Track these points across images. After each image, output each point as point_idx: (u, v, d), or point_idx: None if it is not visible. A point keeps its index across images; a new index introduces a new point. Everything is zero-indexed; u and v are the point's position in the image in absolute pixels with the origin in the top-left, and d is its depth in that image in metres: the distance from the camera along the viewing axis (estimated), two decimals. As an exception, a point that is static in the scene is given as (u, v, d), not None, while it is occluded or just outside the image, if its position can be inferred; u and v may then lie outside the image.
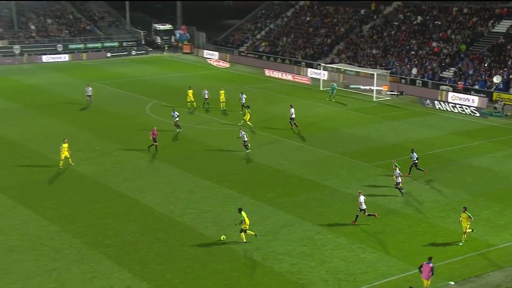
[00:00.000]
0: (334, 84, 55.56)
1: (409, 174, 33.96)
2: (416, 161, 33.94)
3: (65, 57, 75.14)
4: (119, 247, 25.18)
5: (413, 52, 63.56)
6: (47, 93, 54.93)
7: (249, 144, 38.08)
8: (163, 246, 25.38)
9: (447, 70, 59.50)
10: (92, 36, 79.98)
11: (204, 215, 28.60)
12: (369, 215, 27.85)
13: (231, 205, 29.90)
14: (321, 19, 77.39)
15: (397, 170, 31.51)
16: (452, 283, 22.74)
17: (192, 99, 49.73)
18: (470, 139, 42.45)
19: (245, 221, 25.66)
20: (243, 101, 48.33)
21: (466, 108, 50.75)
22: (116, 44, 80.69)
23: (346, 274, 23.47)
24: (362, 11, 74.80)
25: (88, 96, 51.00)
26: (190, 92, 49.92)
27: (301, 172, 35.16)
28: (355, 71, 62.00)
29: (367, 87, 57.77)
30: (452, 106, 51.76)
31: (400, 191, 31.37)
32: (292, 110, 44.04)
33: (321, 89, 59.89)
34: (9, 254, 24.38)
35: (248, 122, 43.89)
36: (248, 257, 24.61)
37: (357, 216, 27.84)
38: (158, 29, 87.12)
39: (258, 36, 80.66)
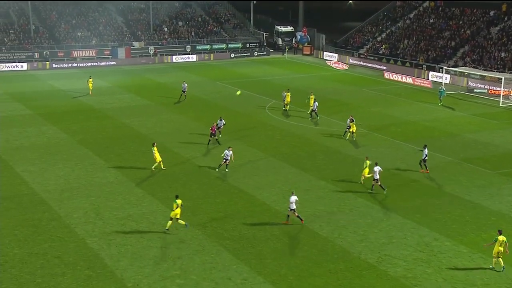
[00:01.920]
0: (443, 87, 52.80)
1: (423, 169, 34.36)
2: (426, 158, 34.00)
3: (192, 58, 78.37)
4: (237, 240, 25.83)
5: (546, 56, 59.08)
6: (176, 91, 57.58)
7: (226, 165, 34.11)
8: (279, 243, 25.67)
9: None
10: (217, 37, 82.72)
11: (319, 215, 28.55)
12: (297, 216, 27.07)
13: (345, 206, 29.62)
14: (446, 21, 74.10)
15: (376, 167, 30.89)
16: None
17: (288, 102, 48.40)
18: None
19: (174, 209, 25.95)
20: (315, 109, 46.59)
21: None
22: (239, 45, 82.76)
23: (465, 284, 22.35)
24: (492, 13, 70.56)
25: (183, 91, 53.39)
26: (288, 94, 48.76)
27: (419, 176, 33.99)
28: (481, 75, 58.76)
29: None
30: None
31: (371, 188, 31.20)
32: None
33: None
34: (140, 240, 25.91)
35: (351, 134, 41.21)
36: (363, 259, 24.23)
37: (288, 216, 27.19)
38: (280, 31, 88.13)
39: (379, 39, 78.93)
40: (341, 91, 58.40)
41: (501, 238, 23.25)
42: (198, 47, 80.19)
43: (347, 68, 72.79)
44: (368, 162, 32.34)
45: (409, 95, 57.17)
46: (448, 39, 70.39)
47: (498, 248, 23.07)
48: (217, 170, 34.49)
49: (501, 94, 53.06)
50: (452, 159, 37.10)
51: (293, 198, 27.24)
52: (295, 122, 46.07)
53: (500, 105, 52.36)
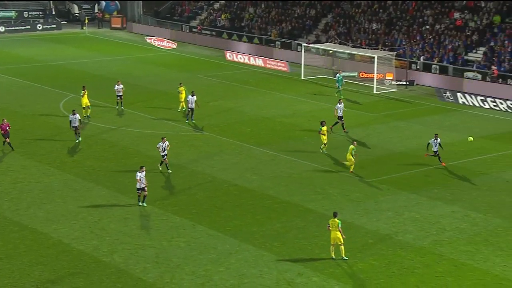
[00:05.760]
0: (339, 74, 54.88)
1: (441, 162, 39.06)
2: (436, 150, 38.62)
3: None
4: (23, 299, 25.07)
5: (427, 27, 64.47)
6: None
7: (166, 164, 37.57)
8: (86, 296, 25.33)
9: (474, 51, 60.42)
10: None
11: (143, 253, 28.56)
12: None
13: (180, 238, 29.95)
14: (303, -19, 77.94)
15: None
16: None
17: (88, 104, 46.56)
18: (506, 145, 43.34)
19: None
20: (191, 106, 46.42)
21: (501, 103, 51.47)
22: (13, 14, 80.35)
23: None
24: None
25: None
26: (85, 93, 46.46)
27: (277, 191, 35.37)
28: (349, 53, 62.65)
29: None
30: (481, 100, 52.48)
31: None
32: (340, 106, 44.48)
33: (303, 78, 60.43)
34: None
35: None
36: (205, 310, 24.68)
37: None
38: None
39: (216, 6, 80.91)
40: (168, 79, 58.92)
41: (332, 221, 27.44)
42: None
43: (175, 46, 73.65)
44: (352, 147, 37.49)
45: (260, 82, 59.33)
46: (306, 6, 74.09)
47: (335, 234, 27.35)
48: (169, 171, 37.43)
49: (375, 78, 57.02)
50: (318, 165, 39.11)
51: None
52: (105, 124, 45.66)
53: (374, 92, 56.30)
